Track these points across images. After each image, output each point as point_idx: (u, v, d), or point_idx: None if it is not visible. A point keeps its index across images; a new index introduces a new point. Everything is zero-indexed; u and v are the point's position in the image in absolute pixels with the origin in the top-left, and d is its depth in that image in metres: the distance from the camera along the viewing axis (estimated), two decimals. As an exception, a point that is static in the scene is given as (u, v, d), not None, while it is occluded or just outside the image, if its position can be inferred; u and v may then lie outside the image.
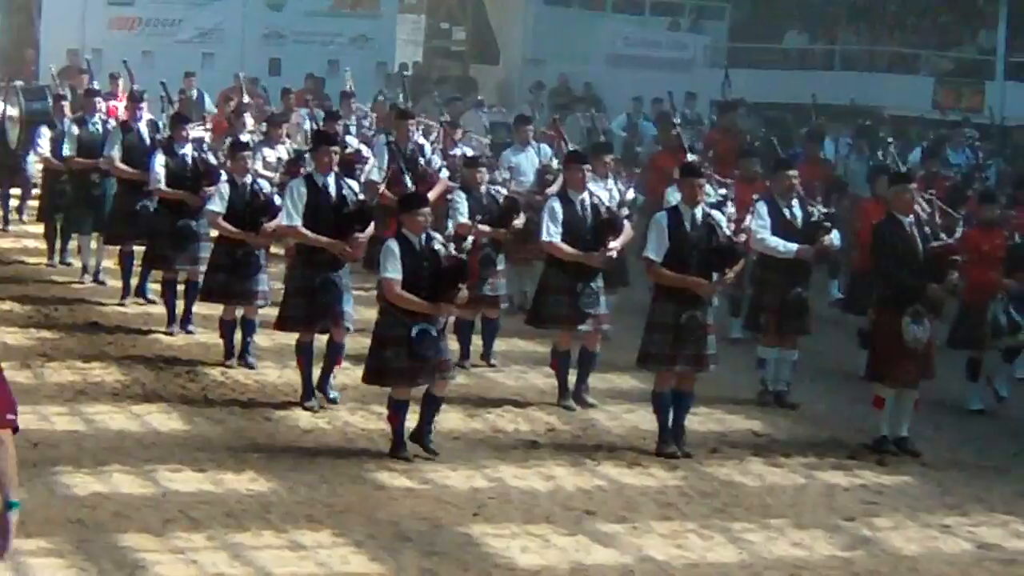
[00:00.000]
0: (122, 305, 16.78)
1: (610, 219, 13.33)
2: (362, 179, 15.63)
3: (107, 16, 31.90)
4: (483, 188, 14.55)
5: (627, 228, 13.52)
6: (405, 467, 11.47)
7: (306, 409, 12.93)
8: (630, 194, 15.02)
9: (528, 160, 17.58)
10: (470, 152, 17.69)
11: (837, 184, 19.14)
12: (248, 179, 14.30)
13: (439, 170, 16.23)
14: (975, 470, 12.49)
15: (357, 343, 13.37)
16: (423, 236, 11.68)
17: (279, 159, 17.94)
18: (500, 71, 34.99)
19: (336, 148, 13.28)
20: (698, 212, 12.26)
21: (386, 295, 11.70)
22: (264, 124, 19.48)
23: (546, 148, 18.02)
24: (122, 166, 16.79)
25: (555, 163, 17.08)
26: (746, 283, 15.20)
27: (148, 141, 16.78)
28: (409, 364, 11.52)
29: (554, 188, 15.57)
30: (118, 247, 17.15)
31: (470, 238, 13.35)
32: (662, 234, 12.16)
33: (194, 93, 25.85)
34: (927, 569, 10.01)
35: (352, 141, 18.20)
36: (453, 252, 11.79)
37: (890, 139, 18.78)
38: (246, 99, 22.57)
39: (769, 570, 9.81)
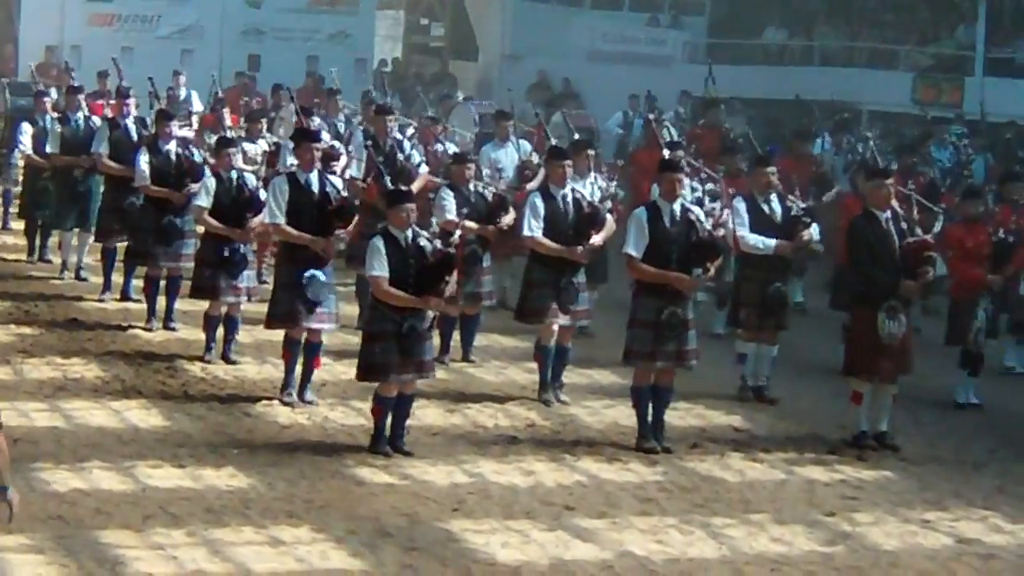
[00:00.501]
0: (101, 301, 16.74)
1: (592, 213, 13.31)
2: (345, 175, 15.61)
3: (86, 12, 31.89)
4: (470, 185, 14.54)
5: (609, 222, 13.51)
6: (385, 462, 11.46)
7: (285, 403, 12.90)
8: (612, 188, 15.01)
9: (508, 156, 17.57)
10: (453, 148, 17.66)
11: (822, 180, 19.12)
12: (234, 174, 14.27)
13: (418, 165, 16.21)
14: (954, 465, 12.50)
15: (337, 338, 13.35)
16: (409, 232, 11.66)
17: (264, 152, 17.92)
18: (479, 67, 34.98)
19: (318, 145, 13.27)
20: (677, 207, 12.25)
21: (374, 292, 11.69)
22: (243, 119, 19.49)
23: (526, 144, 18.00)
24: (109, 163, 16.75)
25: (535, 159, 17.06)
26: (728, 275, 15.17)
27: (136, 137, 16.75)
28: (399, 359, 11.52)
29: (534, 183, 15.57)
30: (101, 243, 17.10)
31: (457, 233, 13.31)
32: (642, 229, 12.13)
33: (182, 92, 25.79)
34: (907, 564, 10.03)
35: (325, 136, 18.15)
36: (440, 247, 11.76)
37: (869, 134, 18.76)
38: (219, 93, 22.51)
39: (749, 565, 9.82)
